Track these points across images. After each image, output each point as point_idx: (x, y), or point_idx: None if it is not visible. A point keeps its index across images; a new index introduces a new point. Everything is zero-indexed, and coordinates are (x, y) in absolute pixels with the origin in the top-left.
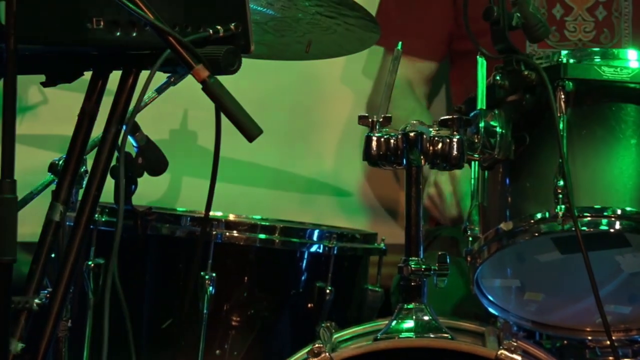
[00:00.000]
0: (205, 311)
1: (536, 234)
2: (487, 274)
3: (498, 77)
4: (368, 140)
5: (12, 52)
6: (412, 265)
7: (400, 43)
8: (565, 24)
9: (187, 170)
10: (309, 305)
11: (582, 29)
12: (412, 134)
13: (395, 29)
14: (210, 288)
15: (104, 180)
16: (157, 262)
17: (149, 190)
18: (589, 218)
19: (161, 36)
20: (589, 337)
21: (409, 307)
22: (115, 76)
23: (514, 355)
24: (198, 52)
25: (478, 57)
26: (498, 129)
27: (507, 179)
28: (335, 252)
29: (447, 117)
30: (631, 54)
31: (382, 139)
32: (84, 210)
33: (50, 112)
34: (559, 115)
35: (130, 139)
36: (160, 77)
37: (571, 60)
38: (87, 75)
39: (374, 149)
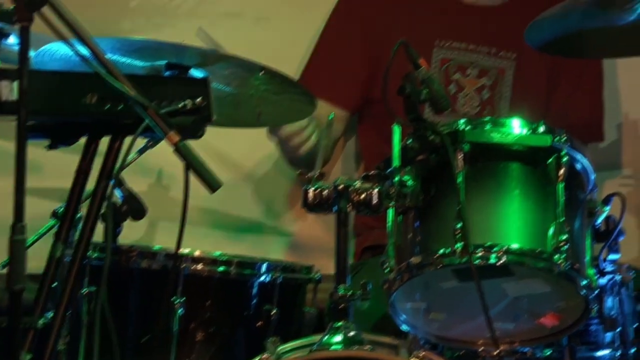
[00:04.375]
0: (175, 329)
1: (439, 266)
2: (401, 298)
3: (410, 141)
4: (305, 192)
5: (23, 122)
6: (340, 292)
7: (332, 113)
8: (457, 99)
9: (162, 216)
10: (259, 324)
11: (470, 104)
12: (340, 187)
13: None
14: (180, 310)
15: (96, 224)
16: (138, 289)
17: (131, 232)
18: (481, 253)
19: (142, 109)
20: (481, 348)
21: (338, 325)
22: (105, 140)
23: None
24: (171, 121)
25: (394, 125)
26: (409, 182)
27: (416, 222)
28: (280, 281)
29: (370, 173)
30: (515, 122)
31: (317, 191)
32: (79, 249)
33: (53, 170)
34: (457, 171)
35: (116, 191)
36: (141, 141)
37: (467, 127)
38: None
39: (310, 199)
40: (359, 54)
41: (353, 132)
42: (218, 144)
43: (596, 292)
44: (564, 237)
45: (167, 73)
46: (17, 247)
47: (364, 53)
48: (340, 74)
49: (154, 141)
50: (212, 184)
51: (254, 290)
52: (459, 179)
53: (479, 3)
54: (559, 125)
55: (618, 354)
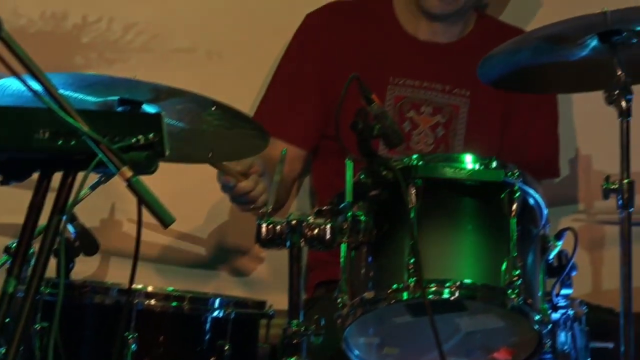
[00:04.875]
0: None
1: (392, 301)
2: (354, 333)
3: (362, 176)
4: (259, 227)
5: None
6: (293, 327)
7: (284, 149)
8: (411, 137)
9: (115, 251)
10: (212, 359)
11: (424, 142)
12: (293, 222)
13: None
14: (133, 346)
15: (48, 259)
16: (91, 325)
17: (84, 268)
18: (434, 288)
19: (94, 144)
20: None
21: (291, 359)
22: (57, 175)
23: None
24: (124, 156)
25: (347, 160)
26: (362, 218)
27: (370, 257)
28: (233, 316)
29: (323, 208)
30: (468, 157)
31: (270, 226)
32: (32, 284)
33: (5, 205)
34: (410, 206)
35: (69, 226)
36: (94, 177)
37: (420, 163)
38: (35, 175)
39: (264, 234)
40: (313, 91)
41: (308, 167)
42: (171, 179)
43: (549, 327)
44: (517, 272)
45: (120, 108)
46: None
47: (317, 90)
48: (295, 113)
49: (106, 176)
50: (164, 220)
51: (207, 326)
52: (412, 214)
53: (433, 40)
54: (515, 161)
55: None
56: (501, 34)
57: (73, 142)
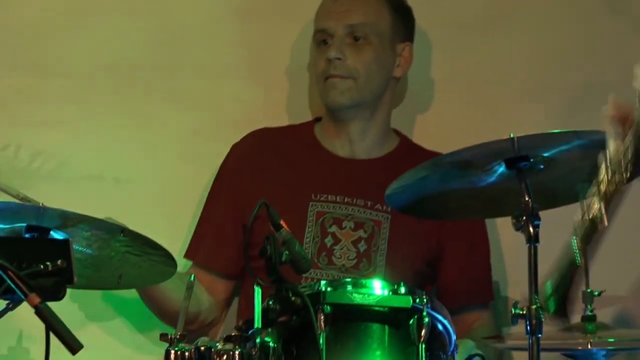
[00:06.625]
0: None
1: None
2: None
3: (271, 302)
4: (167, 353)
5: None
6: None
7: (192, 275)
8: (333, 252)
9: None
10: None
11: (347, 257)
12: (202, 348)
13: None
14: None
15: None
16: None
17: None
18: None
19: (1, 270)
20: None
21: None
22: None
23: None
24: (31, 283)
25: (255, 286)
26: (271, 344)
27: None
28: None
29: (231, 334)
30: (376, 283)
31: (179, 352)
32: None
33: None
34: (319, 332)
35: None
36: (1, 303)
37: (329, 289)
38: None
39: None
40: (232, 220)
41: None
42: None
43: None
44: None
45: (28, 235)
46: None
47: (237, 218)
48: (217, 245)
49: (14, 303)
50: (73, 346)
51: None
52: (321, 340)
53: (355, 157)
54: (450, 288)
55: None
56: (422, 157)
57: None
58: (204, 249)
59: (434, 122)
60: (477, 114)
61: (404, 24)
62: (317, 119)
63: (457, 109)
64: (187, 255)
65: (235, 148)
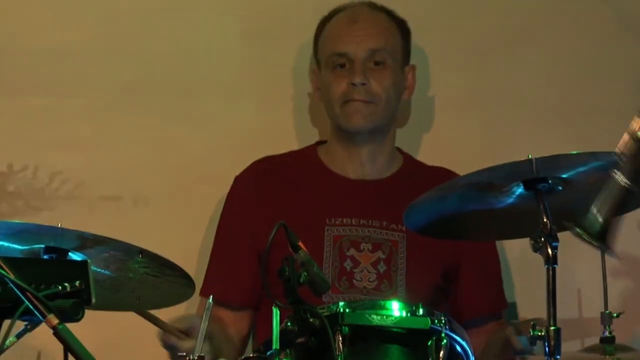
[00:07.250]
0: None
1: None
2: None
3: (289, 323)
4: None
5: None
6: None
7: (211, 296)
8: (354, 275)
9: None
10: None
11: (367, 279)
12: None
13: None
14: None
15: None
16: None
17: None
18: None
19: (20, 292)
20: None
21: None
22: None
23: None
24: (50, 304)
25: (273, 307)
26: None
27: None
28: None
29: (249, 356)
30: (394, 304)
31: None
32: None
33: None
34: (337, 353)
35: None
36: (20, 324)
37: (347, 310)
38: None
39: None
40: (247, 252)
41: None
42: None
43: None
44: None
45: (46, 256)
46: None
47: (252, 250)
48: (232, 279)
49: (32, 324)
50: None
51: None
52: None
53: (366, 178)
54: (466, 299)
55: None
56: (427, 173)
57: None
58: (218, 285)
59: (445, 143)
60: (492, 135)
61: (409, 46)
62: (319, 143)
63: (470, 130)
64: (203, 292)
65: (240, 179)
